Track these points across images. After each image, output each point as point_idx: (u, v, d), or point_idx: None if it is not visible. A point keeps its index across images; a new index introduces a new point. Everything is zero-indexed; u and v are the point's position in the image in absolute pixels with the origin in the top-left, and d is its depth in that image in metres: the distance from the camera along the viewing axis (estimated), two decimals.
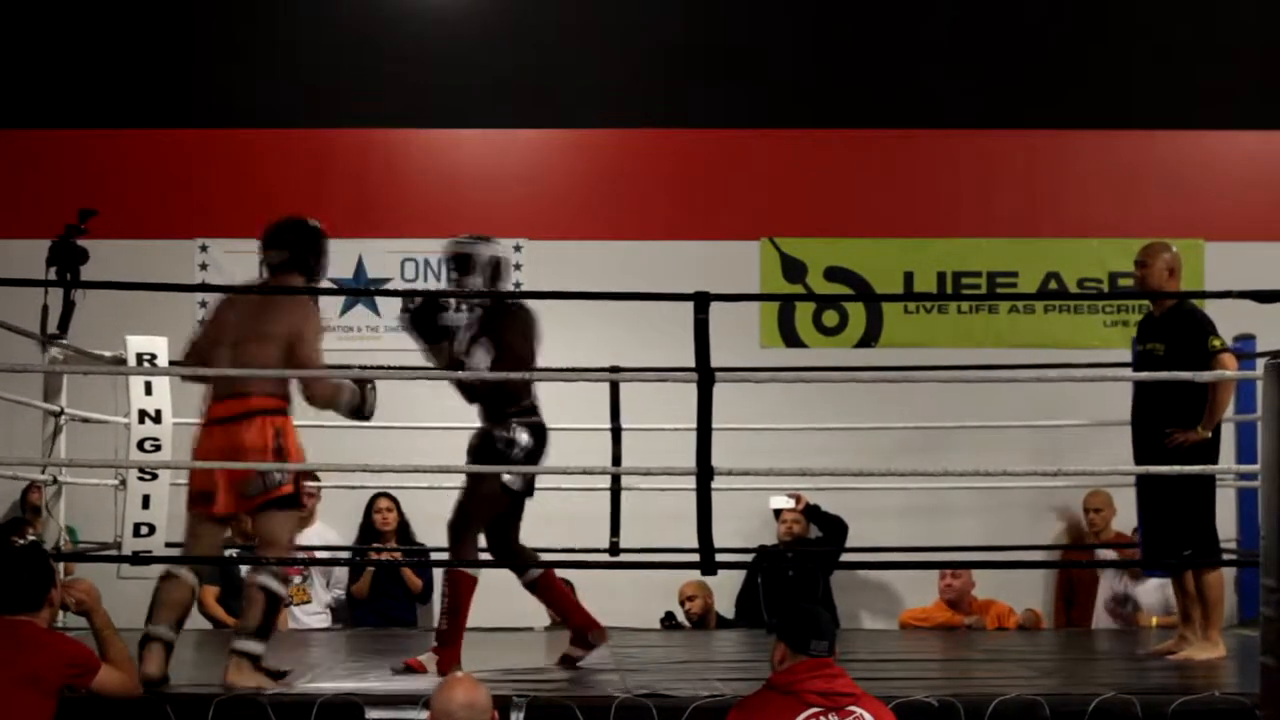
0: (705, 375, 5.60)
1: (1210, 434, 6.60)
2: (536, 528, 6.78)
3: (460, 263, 6.44)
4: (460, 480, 6.50)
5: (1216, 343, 6.60)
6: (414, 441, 8.46)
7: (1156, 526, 6.77)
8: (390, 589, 9.10)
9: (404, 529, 9.18)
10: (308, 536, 9.08)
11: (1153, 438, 6.67)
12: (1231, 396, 7.06)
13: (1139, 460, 6.75)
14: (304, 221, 5.94)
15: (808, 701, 4.72)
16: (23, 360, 7.09)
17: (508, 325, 6.32)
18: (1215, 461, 6.73)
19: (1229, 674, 6.30)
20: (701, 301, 5.67)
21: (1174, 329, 6.70)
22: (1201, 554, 6.69)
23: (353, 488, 9.02)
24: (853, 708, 4.76)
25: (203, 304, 9.04)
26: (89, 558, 7.69)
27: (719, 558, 5.69)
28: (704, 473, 5.58)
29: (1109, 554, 9.03)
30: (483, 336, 6.30)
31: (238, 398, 5.61)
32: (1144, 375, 6.78)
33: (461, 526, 6.37)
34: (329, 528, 9.22)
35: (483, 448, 6.37)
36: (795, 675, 4.78)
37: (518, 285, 9.24)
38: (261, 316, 5.70)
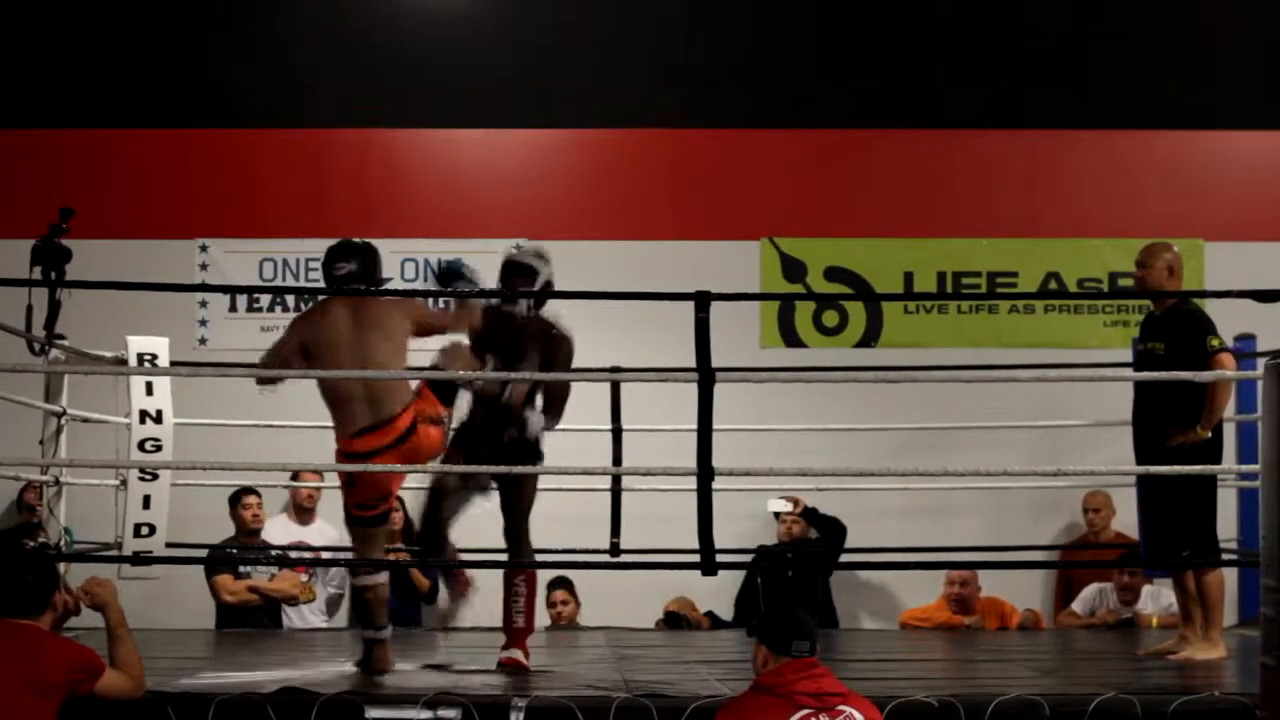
0: (706, 375, 5.59)
1: (1209, 434, 6.60)
2: (537, 528, 6.78)
3: (520, 271, 6.43)
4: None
5: (1215, 342, 6.59)
6: None
7: (1157, 526, 6.77)
8: (394, 589, 9.07)
9: (407, 529, 9.16)
10: (309, 535, 9.08)
11: (1153, 437, 6.67)
12: (1230, 396, 7.06)
13: (1140, 460, 6.75)
14: (366, 241, 6.52)
15: (799, 703, 4.72)
16: (17, 361, 7.06)
17: (553, 354, 6.36)
18: (1217, 461, 6.73)
19: (1229, 674, 6.30)
20: (702, 300, 5.67)
21: (1173, 328, 6.70)
22: (1201, 554, 6.69)
23: None
24: (842, 707, 4.75)
25: (203, 304, 9.04)
26: (89, 558, 7.67)
27: (719, 558, 5.70)
28: (704, 473, 5.58)
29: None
30: (528, 361, 6.34)
31: (403, 411, 6.17)
32: (1143, 375, 6.78)
33: (526, 526, 6.45)
34: (330, 526, 9.21)
35: (519, 447, 6.38)
36: (783, 677, 4.78)
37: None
38: (373, 322, 6.29)
